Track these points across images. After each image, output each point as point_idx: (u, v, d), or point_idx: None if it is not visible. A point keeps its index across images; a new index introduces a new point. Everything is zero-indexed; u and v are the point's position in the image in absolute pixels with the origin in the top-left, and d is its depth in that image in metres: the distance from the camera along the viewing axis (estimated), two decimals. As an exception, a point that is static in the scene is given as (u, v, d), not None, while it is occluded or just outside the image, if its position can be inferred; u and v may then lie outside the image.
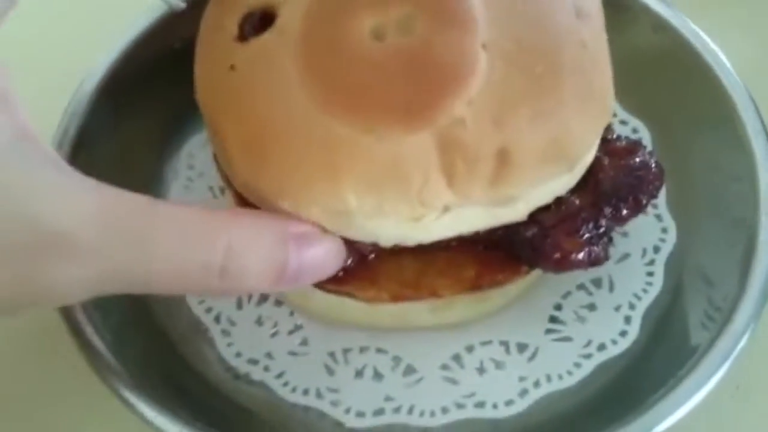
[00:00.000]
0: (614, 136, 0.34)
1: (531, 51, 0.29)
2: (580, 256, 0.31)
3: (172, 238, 0.25)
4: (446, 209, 0.29)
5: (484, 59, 0.28)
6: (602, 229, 0.32)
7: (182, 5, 0.38)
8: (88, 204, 0.24)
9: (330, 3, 0.30)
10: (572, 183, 0.32)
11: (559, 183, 0.31)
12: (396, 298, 0.33)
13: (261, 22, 0.31)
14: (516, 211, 0.31)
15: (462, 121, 0.28)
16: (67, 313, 0.32)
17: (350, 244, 0.30)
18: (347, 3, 0.29)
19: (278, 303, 0.36)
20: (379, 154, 0.28)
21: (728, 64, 0.39)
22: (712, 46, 0.39)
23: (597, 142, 0.32)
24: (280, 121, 0.28)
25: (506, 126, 0.28)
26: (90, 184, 0.25)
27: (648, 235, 0.38)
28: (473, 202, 0.29)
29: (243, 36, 0.30)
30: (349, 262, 0.31)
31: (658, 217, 0.38)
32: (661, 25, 0.40)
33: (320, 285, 0.32)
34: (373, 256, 0.32)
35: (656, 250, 0.37)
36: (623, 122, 0.41)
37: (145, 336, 0.34)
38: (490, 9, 0.29)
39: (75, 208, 0.23)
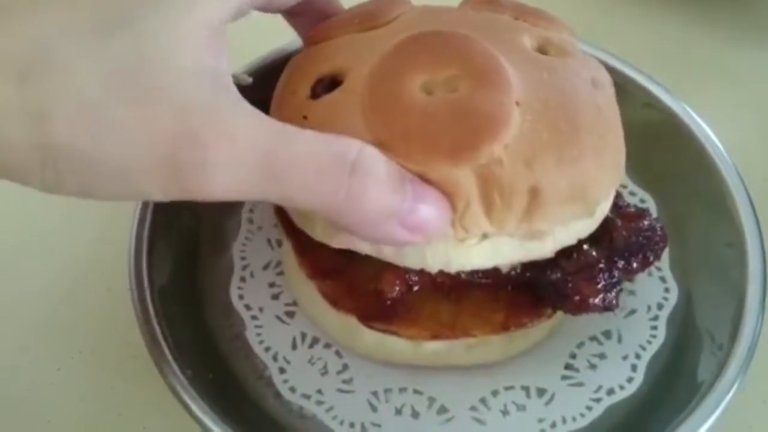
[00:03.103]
0: (625, 203, 0.38)
1: (555, 111, 0.32)
2: (596, 300, 0.35)
3: (312, 134, 0.28)
4: (484, 236, 0.33)
5: (517, 113, 0.32)
6: (615, 279, 0.36)
7: (249, 80, 0.43)
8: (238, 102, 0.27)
9: (389, 66, 0.33)
10: (592, 228, 0.35)
11: (581, 225, 0.35)
12: (435, 337, 0.36)
13: (330, 84, 0.34)
14: (544, 247, 0.34)
15: (500, 161, 0.31)
16: (156, 355, 0.36)
17: (401, 274, 0.35)
18: (403, 66, 0.33)
19: (327, 345, 0.39)
20: (429, 182, 0.31)
21: (719, 144, 0.43)
22: (706, 129, 0.44)
23: (613, 191, 0.36)
24: None
25: (536, 168, 0.31)
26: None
27: (653, 294, 0.41)
28: (507, 233, 0.33)
29: (315, 95, 0.34)
30: (396, 291, 0.35)
31: (662, 279, 0.42)
32: (661, 108, 0.45)
33: (368, 323, 0.36)
34: (417, 288, 0.36)
35: (659, 307, 0.41)
36: (632, 193, 0.45)
37: (216, 374, 0.38)
38: (521, 79, 0.33)
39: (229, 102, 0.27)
